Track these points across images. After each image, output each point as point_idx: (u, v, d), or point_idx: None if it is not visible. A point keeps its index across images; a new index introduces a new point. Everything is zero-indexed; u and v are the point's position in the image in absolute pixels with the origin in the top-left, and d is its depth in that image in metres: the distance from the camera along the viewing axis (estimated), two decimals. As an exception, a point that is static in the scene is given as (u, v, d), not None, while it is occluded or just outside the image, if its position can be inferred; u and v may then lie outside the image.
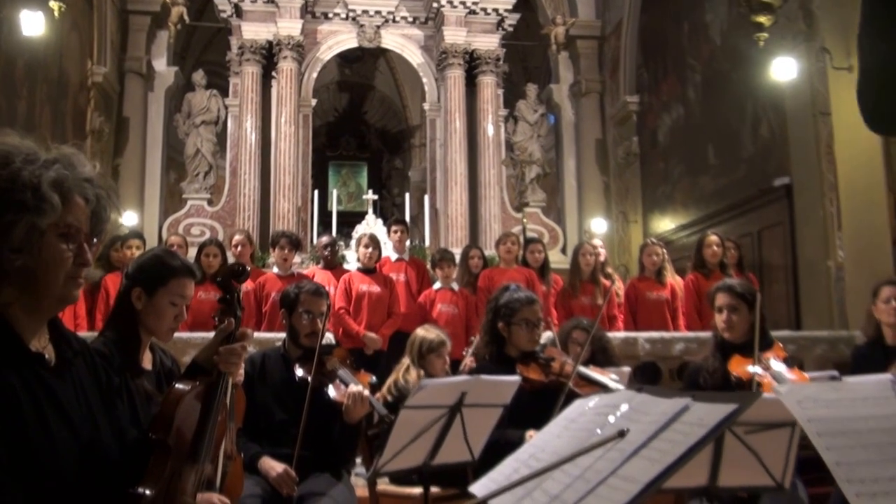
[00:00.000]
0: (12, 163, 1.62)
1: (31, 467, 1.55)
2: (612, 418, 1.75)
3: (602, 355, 4.97)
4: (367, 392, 3.56)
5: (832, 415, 1.47)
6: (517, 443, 3.34)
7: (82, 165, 1.72)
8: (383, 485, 4.06)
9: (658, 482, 1.32)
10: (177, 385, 2.04)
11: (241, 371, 2.16)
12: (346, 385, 3.63)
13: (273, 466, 3.48)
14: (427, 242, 12.79)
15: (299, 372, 3.69)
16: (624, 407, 1.72)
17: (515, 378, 3.17)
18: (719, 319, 3.80)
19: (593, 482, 1.45)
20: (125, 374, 2.72)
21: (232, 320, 2.17)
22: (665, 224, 11.91)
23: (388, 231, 8.05)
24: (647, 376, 6.35)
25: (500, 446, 3.25)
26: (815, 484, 3.51)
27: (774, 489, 2.86)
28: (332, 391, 3.63)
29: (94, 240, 1.75)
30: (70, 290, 1.70)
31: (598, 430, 1.73)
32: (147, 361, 2.98)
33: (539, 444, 1.96)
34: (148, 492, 1.82)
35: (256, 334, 5.34)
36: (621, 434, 1.48)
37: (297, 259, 7.61)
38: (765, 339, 3.73)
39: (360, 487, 4.20)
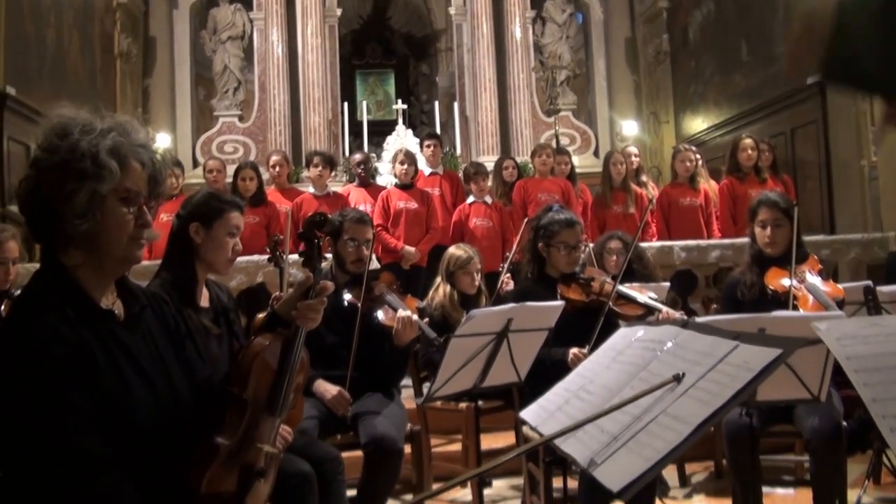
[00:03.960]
0: (71, 134, 1.71)
1: (110, 418, 1.67)
2: (659, 353, 1.84)
3: (639, 268, 5.05)
4: (415, 316, 3.69)
5: (869, 351, 1.55)
6: (560, 360, 3.50)
7: (137, 132, 1.81)
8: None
9: (707, 424, 1.42)
10: (256, 339, 2.11)
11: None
12: (395, 310, 3.75)
13: (328, 389, 3.64)
14: (458, 150, 12.75)
15: (347, 297, 3.81)
16: (669, 344, 1.81)
17: (559, 303, 3.28)
18: (762, 234, 3.81)
19: (645, 421, 1.56)
20: (183, 313, 2.88)
21: (311, 275, 2.23)
22: (697, 124, 11.78)
23: (421, 145, 8.08)
24: (682, 284, 6.45)
25: (544, 364, 3.40)
26: (848, 386, 3.61)
27: (810, 401, 2.99)
28: (381, 315, 3.77)
29: (153, 202, 1.84)
30: (133, 252, 1.80)
31: (647, 366, 1.83)
32: (204, 299, 3.12)
33: (588, 374, 2.05)
34: (226, 441, 1.95)
35: (293, 256, 5.47)
36: (677, 378, 1.57)
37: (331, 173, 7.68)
38: (800, 252, 3.78)
39: (408, 399, 4.37)
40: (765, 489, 3.74)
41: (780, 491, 4.32)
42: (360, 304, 3.76)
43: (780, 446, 4.63)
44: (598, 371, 2.02)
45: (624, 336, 2.13)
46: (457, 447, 5.09)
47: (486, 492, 4.50)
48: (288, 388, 2.12)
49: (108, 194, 1.72)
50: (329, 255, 3.90)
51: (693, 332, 1.80)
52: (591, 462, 1.57)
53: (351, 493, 3.32)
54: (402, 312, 3.68)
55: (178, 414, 1.86)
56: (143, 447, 1.74)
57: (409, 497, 4.12)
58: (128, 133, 1.78)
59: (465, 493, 4.85)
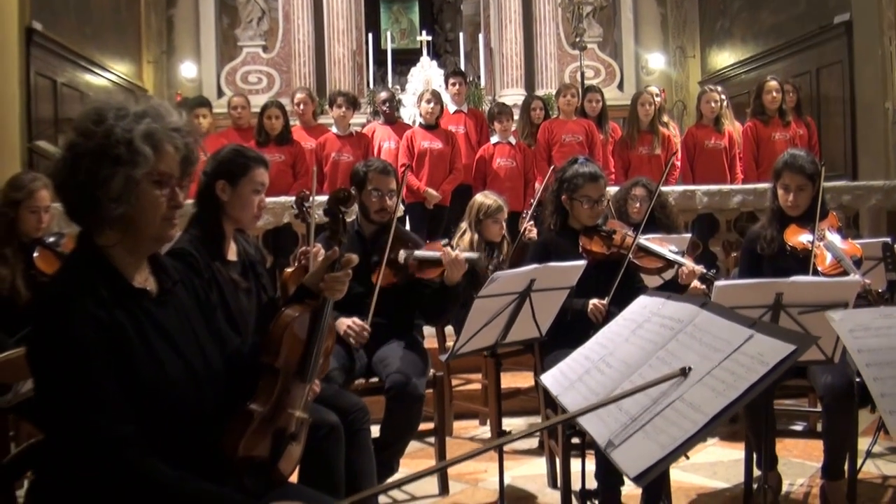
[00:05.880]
0: (105, 119, 1.76)
1: (146, 395, 1.75)
2: (677, 334, 1.89)
3: (661, 216, 5.07)
4: (457, 252, 3.71)
5: (882, 344, 1.60)
6: (581, 310, 3.58)
7: (169, 115, 1.85)
8: (452, 341, 4.31)
9: (722, 417, 1.48)
10: (285, 310, 2.18)
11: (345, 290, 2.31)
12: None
13: (342, 321, 3.66)
14: (482, 83, 12.63)
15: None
16: (688, 328, 1.86)
17: (581, 263, 3.33)
18: (784, 197, 3.78)
19: (663, 404, 1.62)
20: (212, 266, 2.96)
21: (336, 248, 2.30)
22: (723, 59, 11.63)
23: (446, 83, 8.03)
24: (704, 228, 6.48)
25: (565, 314, 3.48)
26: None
27: (825, 362, 3.06)
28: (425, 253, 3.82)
29: (185, 180, 1.89)
30: (166, 231, 1.87)
31: (665, 346, 1.88)
32: (232, 253, 3.19)
33: (608, 345, 2.12)
34: (260, 408, 2.04)
35: (320, 197, 5.51)
36: (684, 372, 1.62)
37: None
38: (821, 210, 3.79)
39: (429, 338, 4.47)
40: (777, 437, 3.84)
41: (792, 438, 4.42)
42: (386, 253, 3.82)
43: (793, 393, 4.71)
44: (617, 342, 2.09)
45: (644, 307, 2.18)
46: (476, 386, 5.21)
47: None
48: (317, 356, 2.22)
49: (142, 178, 1.76)
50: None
51: (711, 315, 1.85)
52: (609, 443, 1.64)
53: (374, 431, 3.42)
54: (449, 252, 3.69)
55: (212, 386, 1.95)
56: (180, 420, 1.83)
57: (430, 440, 4.25)
58: (161, 117, 1.82)
59: (485, 431, 4.99)
